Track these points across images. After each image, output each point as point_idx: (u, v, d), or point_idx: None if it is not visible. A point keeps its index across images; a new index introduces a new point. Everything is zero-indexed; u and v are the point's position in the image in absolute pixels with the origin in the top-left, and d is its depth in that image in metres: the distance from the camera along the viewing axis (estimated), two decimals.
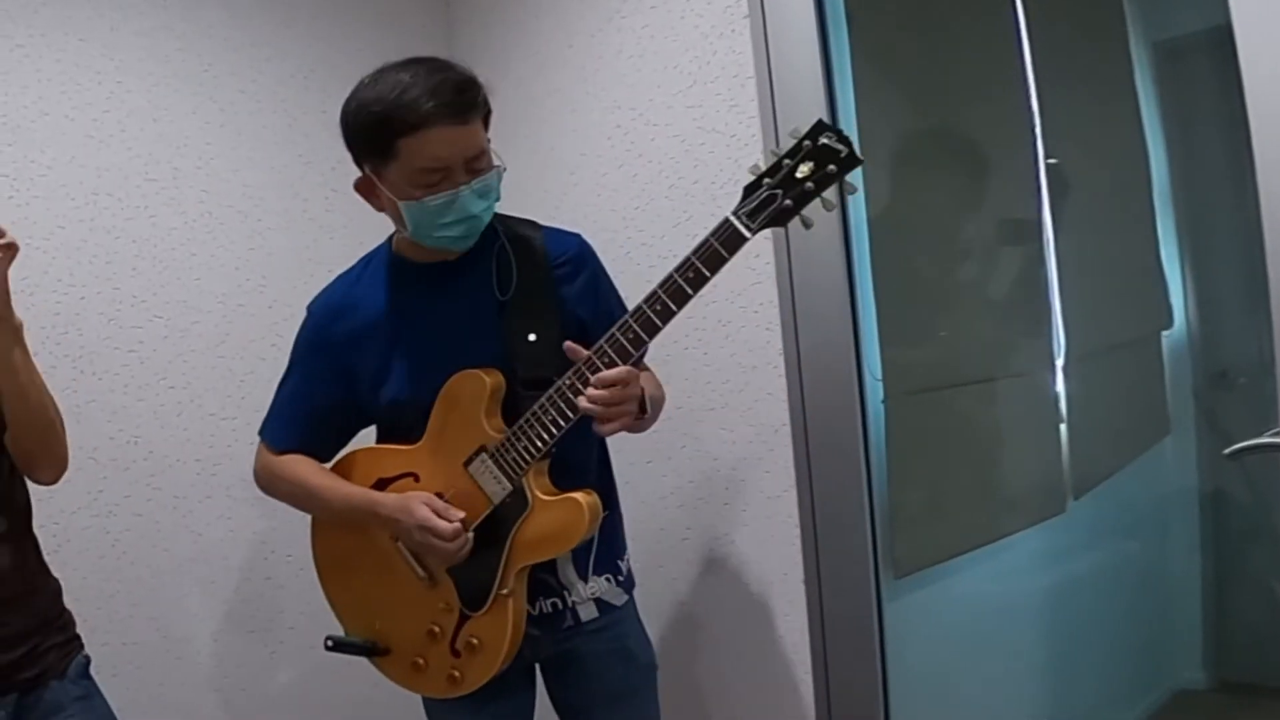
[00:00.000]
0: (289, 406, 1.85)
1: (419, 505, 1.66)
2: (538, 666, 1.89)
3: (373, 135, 1.61)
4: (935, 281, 2.37)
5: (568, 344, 1.60)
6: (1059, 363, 2.47)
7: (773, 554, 2.13)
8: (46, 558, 2.03)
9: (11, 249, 1.55)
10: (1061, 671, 2.53)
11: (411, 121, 1.55)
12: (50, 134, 2.25)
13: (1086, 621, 2.59)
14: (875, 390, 2.06)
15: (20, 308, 2.09)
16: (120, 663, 2.24)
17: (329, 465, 1.86)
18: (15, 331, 1.59)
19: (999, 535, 2.36)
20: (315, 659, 2.50)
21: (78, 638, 1.75)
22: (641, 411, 1.67)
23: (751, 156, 2.07)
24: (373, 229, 2.54)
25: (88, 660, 1.74)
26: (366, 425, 1.86)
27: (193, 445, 2.39)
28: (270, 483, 1.88)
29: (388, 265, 1.81)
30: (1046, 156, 2.42)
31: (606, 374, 1.56)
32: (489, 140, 1.66)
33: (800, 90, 2.02)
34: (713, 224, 2.10)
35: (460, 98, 1.57)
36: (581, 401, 1.57)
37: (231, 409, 2.44)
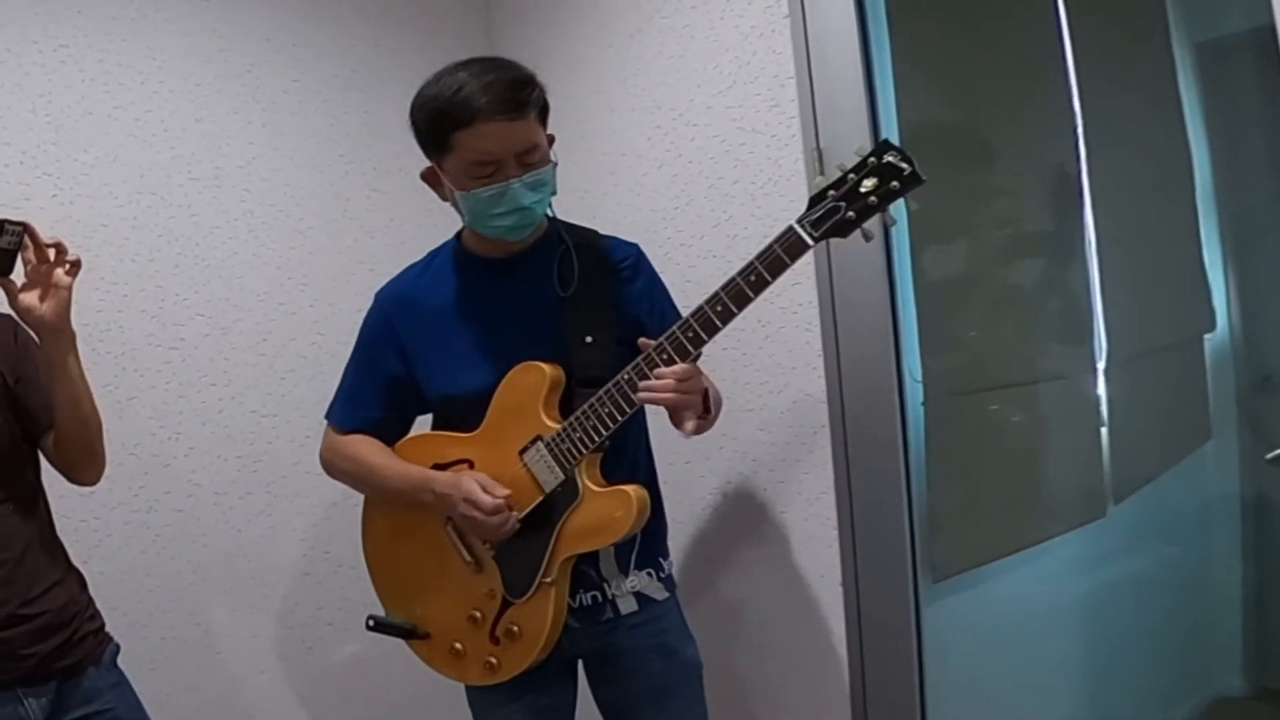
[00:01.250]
0: (353, 389, 1.91)
1: (469, 481, 1.71)
2: (580, 665, 1.91)
3: (431, 129, 1.68)
4: (976, 283, 2.35)
5: (642, 340, 1.65)
6: (1100, 366, 2.45)
7: (811, 556, 2.13)
8: (87, 552, 2.11)
9: (78, 265, 1.64)
10: (1100, 677, 2.51)
11: (464, 117, 1.62)
12: (93, 133, 2.27)
13: (1125, 627, 2.56)
14: (915, 392, 2.05)
15: None
16: (159, 656, 2.27)
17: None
18: (71, 341, 1.66)
19: (1038, 539, 2.34)
20: (353, 654, 2.52)
21: (105, 625, 1.80)
22: (705, 410, 1.71)
23: (792, 156, 2.08)
24: (414, 228, 2.56)
25: (118, 648, 1.79)
26: (426, 411, 1.90)
27: (233, 442, 2.41)
28: (333, 463, 1.93)
29: (454, 258, 1.87)
30: (1088, 157, 2.41)
31: (666, 370, 1.60)
32: (550, 136, 1.73)
33: (840, 90, 2.01)
34: (753, 224, 2.13)
35: (513, 95, 1.63)
36: (640, 394, 1.62)
37: (272, 406, 2.46)
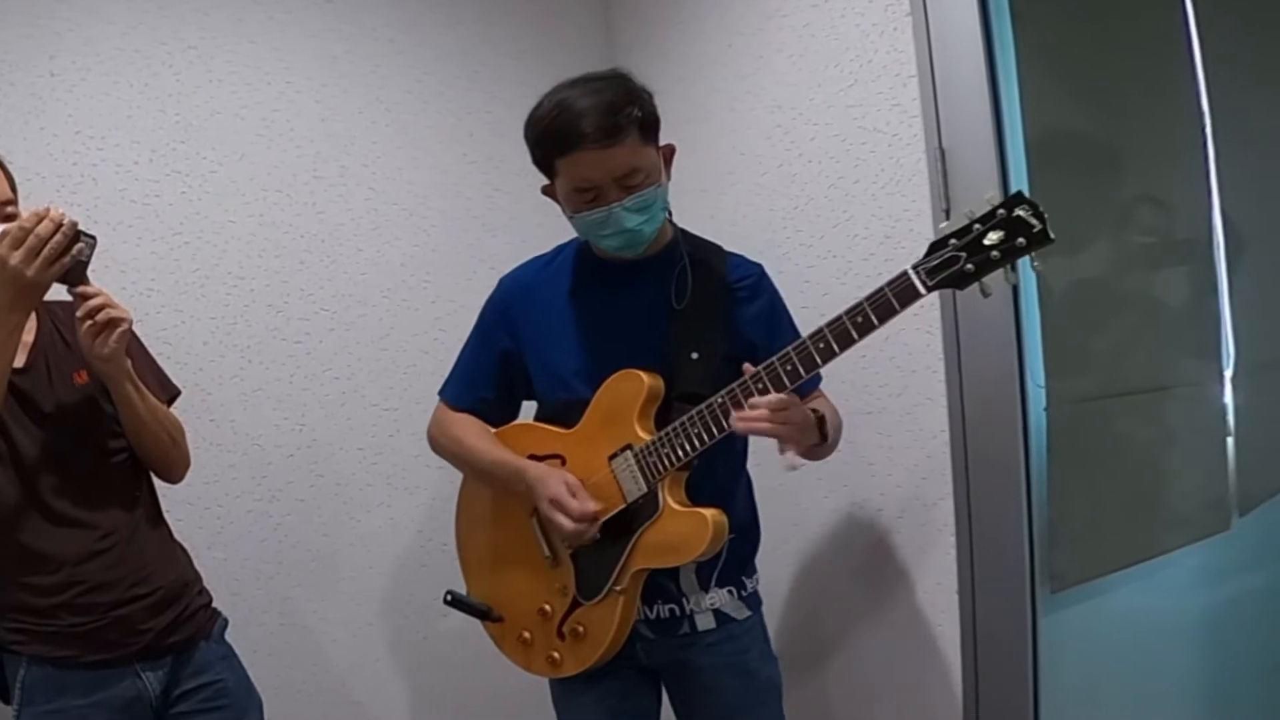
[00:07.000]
0: (467, 368, 1.94)
1: (558, 482, 1.71)
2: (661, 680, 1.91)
3: (537, 153, 1.70)
4: (1100, 288, 2.30)
5: (746, 366, 1.61)
6: (1228, 373, 2.37)
7: (927, 563, 2.10)
8: (210, 539, 2.21)
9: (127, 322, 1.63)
10: (1220, 695, 2.44)
11: (561, 145, 1.64)
12: (221, 133, 2.34)
13: (1248, 644, 2.49)
14: (1038, 398, 2.01)
15: (192, 299, 2.23)
16: (277, 643, 2.33)
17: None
18: (127, 373, 1.69)
19: (1160, 551, 2.27)
20: (468, 647, 2.52)
21: (213, 601, 1.87)
22: (821, 439, 1.69)
23: (914, 156, 2.05)
24: (534, 227, 2.59)
25: (226, 623, 1.86)
26: (533, 398, 1.92)
27: (355, 434, 2.46)
28: (437, 439, 1.96)
29: (577, 256, 1.88)
30: (1217, 159, 2.34)
31: (760, 399, 1.57)
32: (668, 147, 1.73)
33: (963, 90, 1.98)
34: (874, 224, 2.11)
35: (609, 120, 1.60)
36: (733, 421, 1.59)
37: (394, 400, 2.50)
